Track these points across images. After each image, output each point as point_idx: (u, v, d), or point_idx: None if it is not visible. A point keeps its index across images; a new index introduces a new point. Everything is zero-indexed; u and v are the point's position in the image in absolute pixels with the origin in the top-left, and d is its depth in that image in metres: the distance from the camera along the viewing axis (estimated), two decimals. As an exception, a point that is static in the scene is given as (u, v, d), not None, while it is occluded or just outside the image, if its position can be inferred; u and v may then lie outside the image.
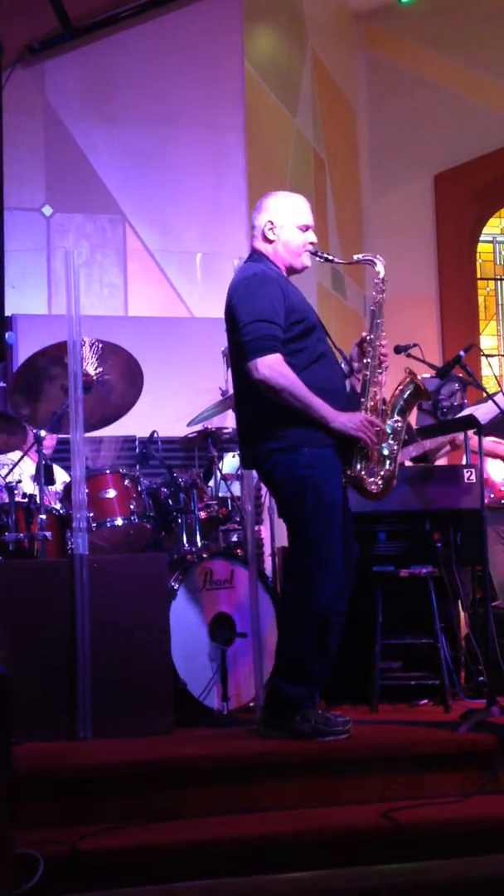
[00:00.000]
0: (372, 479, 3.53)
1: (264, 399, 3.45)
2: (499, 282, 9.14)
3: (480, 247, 9.01)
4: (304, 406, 3.42)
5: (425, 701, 4.21)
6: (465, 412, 4.47)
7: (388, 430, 3.57)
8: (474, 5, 8.23)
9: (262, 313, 3.44)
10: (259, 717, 3.64)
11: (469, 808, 3.12)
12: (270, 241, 3.63)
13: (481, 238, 8.99)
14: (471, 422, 4.17)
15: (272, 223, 3.62)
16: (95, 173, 6.45)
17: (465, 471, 4.21)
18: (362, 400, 3.57)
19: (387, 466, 3.55)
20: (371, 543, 4.28)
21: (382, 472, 3.54)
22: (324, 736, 3.39)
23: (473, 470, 4.19)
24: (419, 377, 3.77)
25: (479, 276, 8.96)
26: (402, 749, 3.39)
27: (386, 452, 3.54)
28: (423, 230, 8.41)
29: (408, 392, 3.67)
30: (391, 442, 3.56)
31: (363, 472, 3.51)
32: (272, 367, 3.41)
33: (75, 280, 3.92)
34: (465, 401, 4.66)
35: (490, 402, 4.34)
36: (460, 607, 4.54)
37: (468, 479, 4.20)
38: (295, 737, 3.40)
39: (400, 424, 3.61)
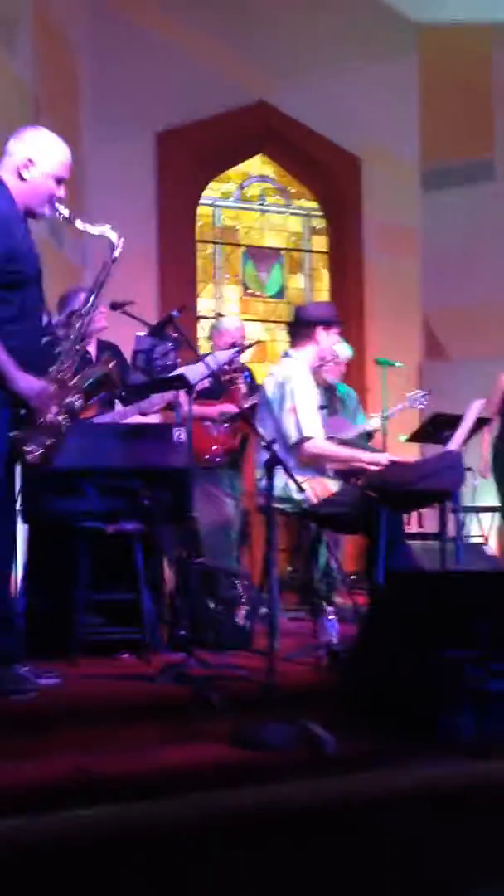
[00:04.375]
0: (31, 449, 3.43)
1: None
2: (217, 245, 9.30)
3: (200, 209, 9.10)
4: None
5: (126, 654, 4.27)
6: (177, 372, 4.53)
7: (65, 406, 3.49)
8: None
9: None
10: None
11: (164, 757, 3.19)
12: (22, 179, 3.46)
13: (201, 201, 9.09)
14: (181, 381, 4.23)
15: (31, 161, 3.45)
16: None
17: (175, 430, 4.27)
18: (51, 369, 3.50)
19: (50, 441, 3.46)
20: (78, 499, 4.25)
21: (46, 444, 3.45)
22: (9, 695, 3.34)
23: (183, 429, 4.25)
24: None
25: (198, 238, 9.07)
26: (101, 702, 3.41)
27: (55, 425, 3.46)
28: (143, 186, 8.40)
29: (99, 375, 3.64)
30: (62, 417, 3.48)
31: (25, 439, 3.42)
32: None
33: None
34: (178, 360, 4.71)
35: (201, 363, 4.43)
36: (166, 564, 4.63)
37: (178, 437, 4.27)
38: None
39: (79, 403, 3.55)
